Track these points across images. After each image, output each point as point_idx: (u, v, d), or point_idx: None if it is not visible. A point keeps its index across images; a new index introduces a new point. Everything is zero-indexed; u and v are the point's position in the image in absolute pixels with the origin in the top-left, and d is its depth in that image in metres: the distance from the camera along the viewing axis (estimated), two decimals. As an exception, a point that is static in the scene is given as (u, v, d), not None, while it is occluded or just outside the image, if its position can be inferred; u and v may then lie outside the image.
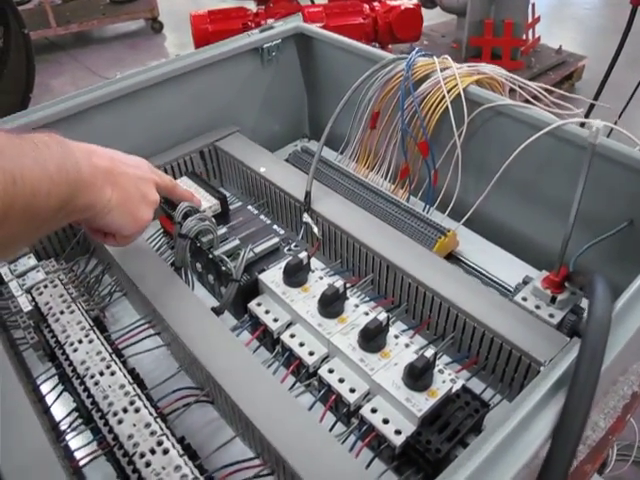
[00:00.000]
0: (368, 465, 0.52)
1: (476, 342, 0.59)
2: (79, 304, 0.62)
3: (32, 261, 0.67)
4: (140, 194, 0.54)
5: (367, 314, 0.59)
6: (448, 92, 0.73)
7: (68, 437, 0.53)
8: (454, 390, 0.54)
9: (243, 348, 0.55)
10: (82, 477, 0.52)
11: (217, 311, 0.62)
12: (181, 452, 0.47)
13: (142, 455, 0.47)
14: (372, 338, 0.55)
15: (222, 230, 0.67)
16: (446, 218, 0.78)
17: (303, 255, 0.61)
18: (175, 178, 0.80)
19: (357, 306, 0.60)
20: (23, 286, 0.64)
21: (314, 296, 0.60)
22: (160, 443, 0.48)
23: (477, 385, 0.60)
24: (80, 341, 0.57)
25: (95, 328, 0.59)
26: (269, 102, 0.98)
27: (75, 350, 0.56)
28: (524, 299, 0.61)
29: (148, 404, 0.51)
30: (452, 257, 0.75)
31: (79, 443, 0.52)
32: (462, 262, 0.75)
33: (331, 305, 0.58)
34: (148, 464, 0.47)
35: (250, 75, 0.93)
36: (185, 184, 0.75)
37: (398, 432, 0.51)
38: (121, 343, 0.61)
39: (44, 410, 0.55)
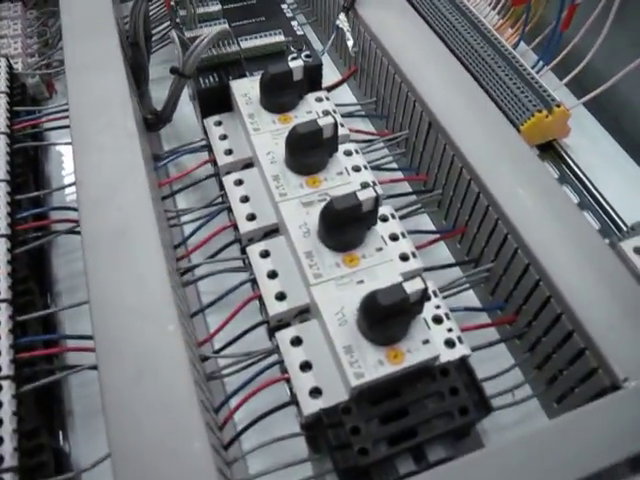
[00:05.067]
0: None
1: (523, 292, 0.31)
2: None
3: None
4: None
5: (365, 186, 0.33)
6: None
7: None
8: (445, 359, 0.28)
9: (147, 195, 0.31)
10: None
11: (150, 123, 0.39)
12: None
13: None
14: (338, 226, 0.29)
15: (213, 7, 0.41)
16: (562, 88, 0.45)
17: (296, 64, 0.35)
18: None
19: (357, 170, 0.34)
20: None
21: (292, 133, 0.34)
22: None
23: (500, 357, 0.33)
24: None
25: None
26: None
27: None
28: (637, 251, 0.31)
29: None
30: (550, 150, 0.45)
31: None
32: (562, 162, 0.44)
33: (305, 152, 0.32)
34: None
35: None
36: None
37: (317, 392, 0.27)
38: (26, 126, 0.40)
39: None
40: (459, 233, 0.36)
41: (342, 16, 0.44)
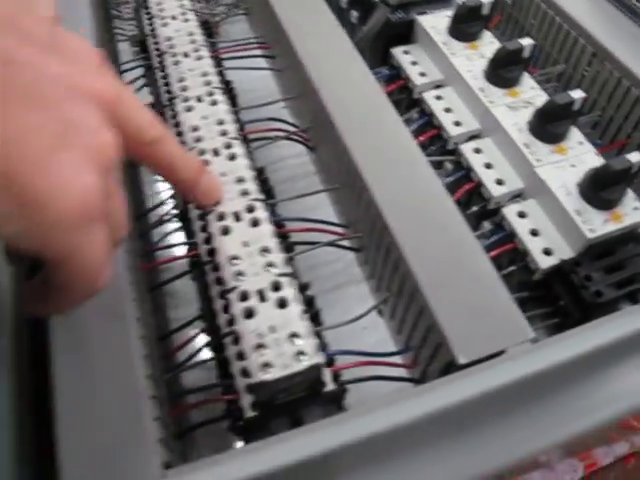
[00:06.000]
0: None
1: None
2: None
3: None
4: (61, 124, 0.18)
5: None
6: None
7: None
8: (643, 228, 0.34)
9: (379, 90, 0.37)
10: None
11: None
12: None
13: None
14: (553, 120, 0.35)
15: None
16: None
17: (487, 0, 0.41)
18: None
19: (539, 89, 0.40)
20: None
21: (483, 56, 0.40)
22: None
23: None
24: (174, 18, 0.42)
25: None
26: None
27: (165, 25, 0.41)
28: None
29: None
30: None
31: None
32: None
33: (506, 68, 0.38)
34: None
35: None
36: None
37: (548, 252, 0.33)
38: (224, 53, 0.45)
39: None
40: (619, 146, 0.42)
41: None
